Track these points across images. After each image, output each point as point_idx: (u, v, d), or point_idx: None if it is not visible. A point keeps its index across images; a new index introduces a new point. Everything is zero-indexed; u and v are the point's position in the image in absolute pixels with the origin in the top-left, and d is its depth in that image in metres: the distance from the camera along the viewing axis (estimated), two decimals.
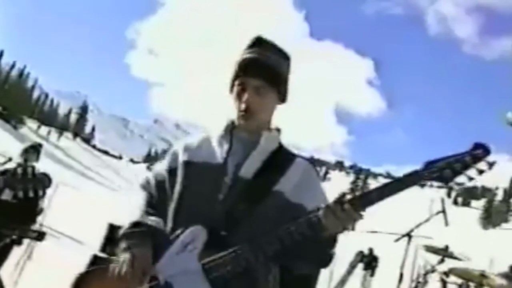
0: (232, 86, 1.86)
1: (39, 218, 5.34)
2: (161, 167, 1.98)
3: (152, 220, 1.82)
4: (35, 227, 5.26)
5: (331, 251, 1.75)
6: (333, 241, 1.72)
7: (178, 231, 1.72)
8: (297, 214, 1.66)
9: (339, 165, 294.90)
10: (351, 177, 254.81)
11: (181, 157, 1.90)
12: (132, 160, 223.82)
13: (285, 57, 1.90)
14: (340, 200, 1.60)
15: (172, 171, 1.91)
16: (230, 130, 1.88)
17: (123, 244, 1.78)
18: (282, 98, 1.90)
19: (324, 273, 4.18)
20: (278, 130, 1.93)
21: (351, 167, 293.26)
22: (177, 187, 1.85)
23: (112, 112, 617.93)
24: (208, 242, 1.68)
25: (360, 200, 1.61)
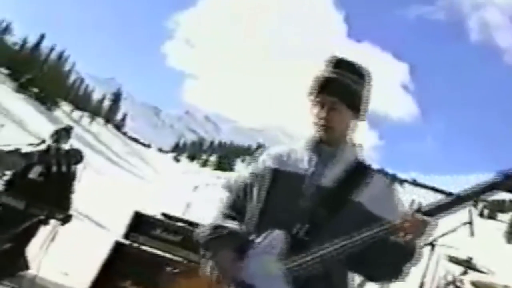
0: (311, 100, 1.99)
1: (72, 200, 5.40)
2: (248, 171, 2.10)
3: (232, 224, 1.96)
4: (72, 209, 5.32)
5: (406, 265, 1.83)
6: (409, 255, 1.81)
7: (262, 235, 1.85)
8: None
9: None
10: None
11: (269, 164, 2.02)
12: (160, 150, 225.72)
13: (363, 77, 2.01)
14: (413, 208, 1.71)
15: (259, 176, 2.02)
16: (314, 142, 2.00)
17: (207, 252, 1.92)
18: (359, 115, 2.01)
19: None
20: (359, 145, 2.06)
21: (378, 171, 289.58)
22: (263, 192, 1.96)
23: (145, 101, 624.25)
24: (290, 246, 1.80)
25: (432, 209, 1.71)
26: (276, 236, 1.81)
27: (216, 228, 1.93)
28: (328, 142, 1.97)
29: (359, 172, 1.96)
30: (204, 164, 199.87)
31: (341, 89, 1.93)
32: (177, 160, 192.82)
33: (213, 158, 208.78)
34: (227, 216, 1.99)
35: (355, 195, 1.89)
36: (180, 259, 4.03)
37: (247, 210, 1.98)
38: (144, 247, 4.19)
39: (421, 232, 1.70)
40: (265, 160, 2.06)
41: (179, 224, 4.30)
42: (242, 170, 2.17)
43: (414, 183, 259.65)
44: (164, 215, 4.49)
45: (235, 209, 2.02)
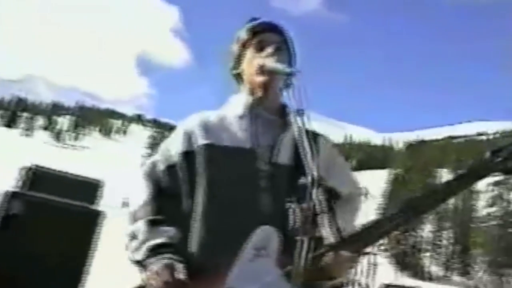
0: (239, 59, 1.70)
1: None
2: (171, 149, 1.65)
3: (164, 235, 1.52)
4: None
5: None
6: None
7: (252, 235, 1.47)
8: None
9: (138, 119, 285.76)
10: (152, 131, 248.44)
11: (199, 139, 1.62)
12: None
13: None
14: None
15: (188, 155, 1.61)
16: (251, 107, 1.66)
17: (145, 273, 1.46)
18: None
19: None
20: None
21: (151, 121, 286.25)
22: (200, 177, 1.57)
23: None
24: (283, 244, 1.47)
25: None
26: (264, 234, 1.45)
27: (152, 250, 1.47)
28: (267, 106, 1.66)
29: (308, 140, 1.56)
30: None
31: (282, 31, 1.70)
32: None
33: None
34: (155, 223, 1.53)
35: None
36: None
37: (182, 199, 1.58)
38: None
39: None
40: (190, 133, 1.63)
41: None
42: (164, 149, 1.67)
43: None
44: None
45: (163, 202, 1.59)
